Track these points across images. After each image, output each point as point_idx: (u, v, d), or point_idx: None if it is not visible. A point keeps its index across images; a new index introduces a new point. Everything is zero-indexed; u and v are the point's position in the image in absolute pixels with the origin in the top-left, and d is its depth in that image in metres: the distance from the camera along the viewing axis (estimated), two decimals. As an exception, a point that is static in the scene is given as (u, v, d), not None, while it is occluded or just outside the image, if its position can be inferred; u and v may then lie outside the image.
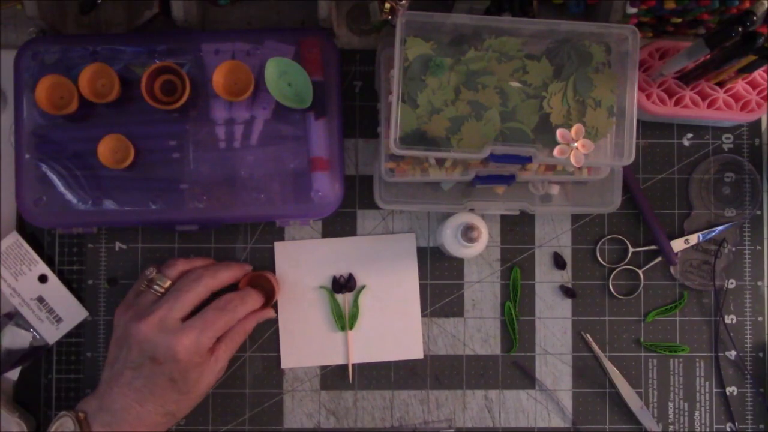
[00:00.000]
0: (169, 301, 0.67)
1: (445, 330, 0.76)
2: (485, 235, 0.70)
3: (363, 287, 0.76)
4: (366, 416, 0.75)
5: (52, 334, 0.74)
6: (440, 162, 0.69)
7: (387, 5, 0.67)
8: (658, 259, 0.77)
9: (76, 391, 0.75)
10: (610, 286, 0.76)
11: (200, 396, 0.69)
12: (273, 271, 0.75)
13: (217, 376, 0.70)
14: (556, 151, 0.65)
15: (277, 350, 0.75)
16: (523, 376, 0.76)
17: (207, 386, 0.69)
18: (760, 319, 0.77)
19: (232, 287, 0.72)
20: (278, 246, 0.76)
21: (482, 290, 0.76)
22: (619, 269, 0.77)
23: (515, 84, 0.66)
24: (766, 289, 0.77)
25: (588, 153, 0.65)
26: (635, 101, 0.66)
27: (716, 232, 0.77)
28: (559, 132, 0.65)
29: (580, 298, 0.76)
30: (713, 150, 0.78)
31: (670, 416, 0.76)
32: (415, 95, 0.65)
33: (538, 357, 0.76)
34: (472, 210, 0.72)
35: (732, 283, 0.77)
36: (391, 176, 0.70)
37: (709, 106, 0.73)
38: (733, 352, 0.76)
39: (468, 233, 0.69)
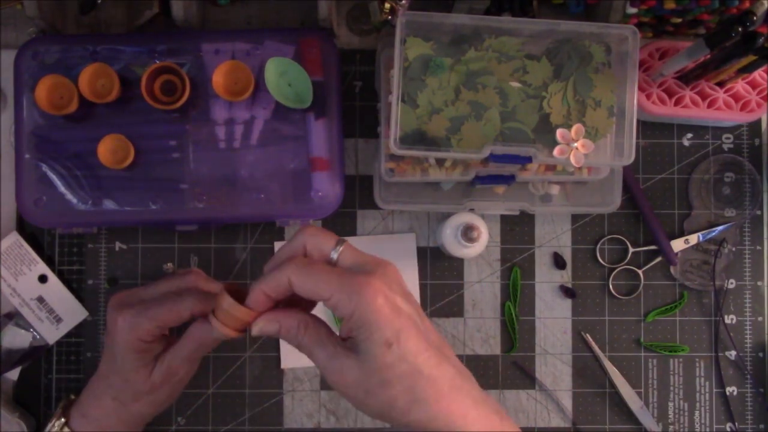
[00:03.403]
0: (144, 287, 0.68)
1: (445, 330, 0.76)
2: (485, 235, 0.70)
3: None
4: (366, 416, 0.75)
5: (52, 334, 0.74)
6: (440, 162, 0.69)
7: (387, 5, 0.67)
8: (658, 259, 0.77)
9: (76, 392, 0.74)
10: (610, 286, 0.76)
11: (147, 393, 0.65)
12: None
13: (167, 379, 0.65)
14: (556, 151, 0.65)
15: (277, 350, 0.75)
16: (523, 376, 0.76)
17: (152, 386, 0.64)
18: (760, 319, 0.77)
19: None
20: (278, 246, 0.76)
21: (482, 290, 0.76)
22: (619, 269, 0.76)
23: (515, 84, 0.66)
24: (766, 289, 0.77)
25: (588, 153, 0.65)
26: (635, 101, 0.66)
27: (716, 232, 0.77)
28: (559, 132, 0.65)
29: (580, 298, 0.76)
30: (713, 150, 0.78)
31: (670, 416, 0.76)
32: (415, 95, 0.65)
33: (538, 357, 0.76)
34: (472, 210, 0.72)
35: (732, 283, 0.77)
36: (391, 176, 0.70)
37: (709, 106, 0.73)
38: (733, 352, 0.76)
39: (468, 233, 0.69)
